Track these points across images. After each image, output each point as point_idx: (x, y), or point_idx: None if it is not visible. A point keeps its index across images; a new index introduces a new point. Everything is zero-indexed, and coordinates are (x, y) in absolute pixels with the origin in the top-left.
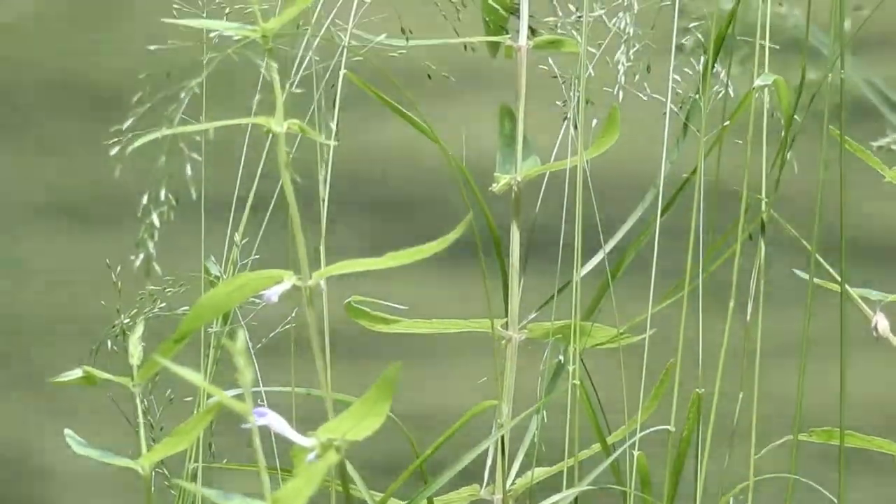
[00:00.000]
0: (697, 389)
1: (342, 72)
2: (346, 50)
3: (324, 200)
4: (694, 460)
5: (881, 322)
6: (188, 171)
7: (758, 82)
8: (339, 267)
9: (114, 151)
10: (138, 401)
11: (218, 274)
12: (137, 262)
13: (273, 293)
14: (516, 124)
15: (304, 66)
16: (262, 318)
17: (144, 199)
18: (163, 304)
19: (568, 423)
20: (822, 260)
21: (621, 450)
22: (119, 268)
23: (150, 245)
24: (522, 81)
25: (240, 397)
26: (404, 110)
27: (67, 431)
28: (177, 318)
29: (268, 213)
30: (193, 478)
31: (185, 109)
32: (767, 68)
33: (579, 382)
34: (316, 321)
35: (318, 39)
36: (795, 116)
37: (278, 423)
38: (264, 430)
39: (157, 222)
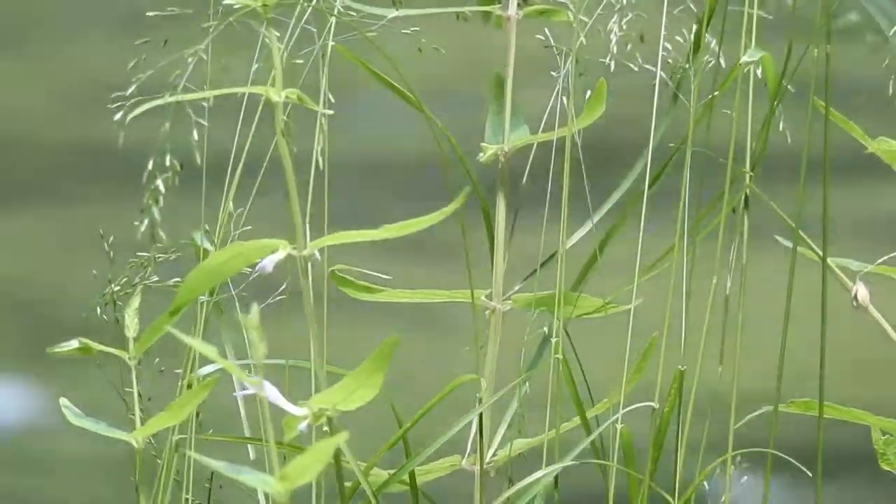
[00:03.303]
0: (679, 366)
1: (330, 43)
2: (335, 21)
3: (323, 170)
4: (675, 435)
5: (861, 291)
6: (194, 136)
7: (745, 59)
8: (335, 237)
9: (117, 117)
10: (133, 374)
11: (203, 245)
12: (142, 228)
13: (268, 263)
14: (505, 93)
15: (296, 35)
16: (253, 287)
17: (150, 165)
18: (155, 278)
19: (549, 398)
20: (804, 235)
21: (602, 427)
22: (112, 238)
23: (155, 211)
24: (511, 51)
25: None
26: (390, 80)
27: (63, 401)
28: (167, 287)
29: (257, 181)
30: (176, 449)
31: (186, 77)
32: (756, 38)
33: (562, 357)
34: (310, 292)
35: (308, 11)
36: (786, 84)
37: (272, 393)
38: (250, 404)
39: (161, 188)
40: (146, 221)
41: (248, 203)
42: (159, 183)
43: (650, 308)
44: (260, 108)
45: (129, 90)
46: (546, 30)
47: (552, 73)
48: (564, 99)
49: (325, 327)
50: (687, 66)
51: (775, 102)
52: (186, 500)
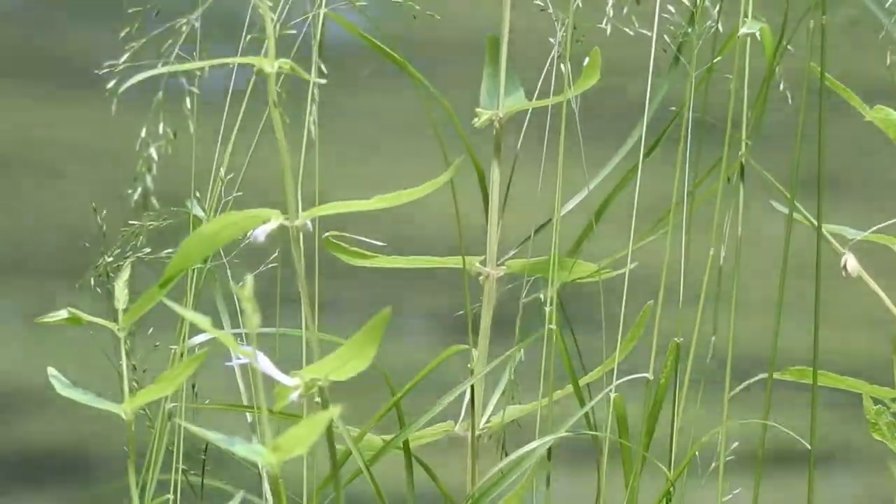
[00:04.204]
0: (676, 339)
1: (322, 11)
2: None
3: (315, 140)
4: (670, 406)
5: (850, 261)
6: (187, 104)
7: (743, 30)
8: (328, 207)
9: (110, 85)
10: (122, 346)
11: (196, 213)
12: (135, 196)
13: (260, 232)
14: (500, 57)
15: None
16: (244, 256)
17: (143, 133)
18: (147, 249)
19: (542, 368)
20: (799, 206)
21: (597, 399)
22: (105, 211)
23: (148, 179)
24: (506, 14)
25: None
26: (384, 47)
27: (51, 371)
28: (161, 259)
29: (251, 149)
30: (168, 418)
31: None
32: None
33: (555, 327)
34: (303, 262)
35: None
36: (786, 45)
37: (264, 363)
38: (248, 372)
39: (155, 156)
40: (139, 189)
41: (242, 171)
42: (152, 151)
43: (646, 277)
44: (253, 78)
45: (122, 59)
46: None
47: (550, 39)
48: (561, 65)
49: (316, 296)
50: (688, 30)
51: (772, 72)
52: (177, 469)
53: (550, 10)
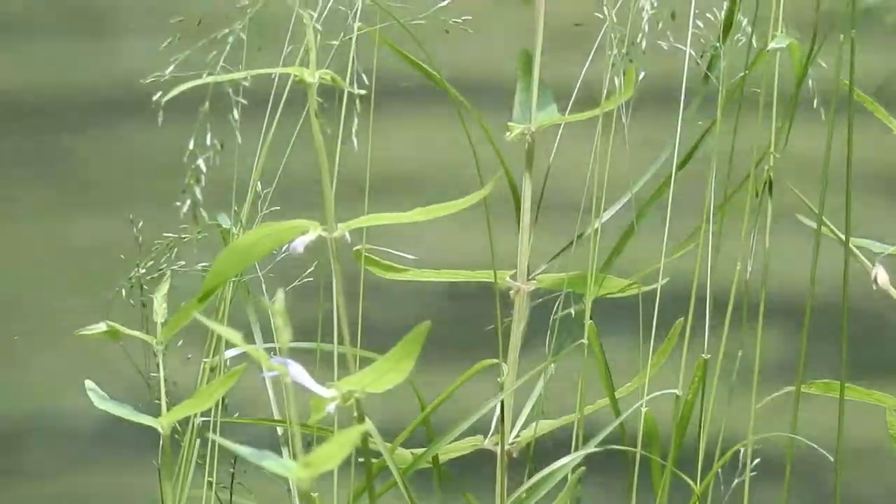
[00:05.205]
0: (703, 355)
1: (356, 24)
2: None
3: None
4: (698, 422)
5: (881, 274)
6: (234, 115)
7: (772, 45)
8: (367, 220)
9: (155, 97)
10: (160, 359)
11: (228, 227)
12: (184, 209)
13: (299, 244)
14: (533, 71)
15: (324, 15)
16: (279, 269)
17: (191, 144)
18: (182, 262)
19: (580, 383)
20: (826, 221)
21: (627, 413)
22: (141, 223)
23: (197, 190)
24: (540, 27)
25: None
26: (417, 61)
27: (89, 383)
28: (195, 271)
29: (284, 159)
30: (199, 434)
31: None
32: (783, 18)
33: (588, 342)
34: (340, 274)
35: None
36: (815, 56)
37: (300, 374)
38: (279, 386)
39: (203, 167)
40: (188, 202)
41: (274, 182)
42: (200, 162)
43: (676, 292)
44: (287, 89)
45: (168, 70)
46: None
47: (587, 51)
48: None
49: (360, 309)
50: (718, 44)
51: (800, 87)
52: (209, 482)
53: (605, 10)
